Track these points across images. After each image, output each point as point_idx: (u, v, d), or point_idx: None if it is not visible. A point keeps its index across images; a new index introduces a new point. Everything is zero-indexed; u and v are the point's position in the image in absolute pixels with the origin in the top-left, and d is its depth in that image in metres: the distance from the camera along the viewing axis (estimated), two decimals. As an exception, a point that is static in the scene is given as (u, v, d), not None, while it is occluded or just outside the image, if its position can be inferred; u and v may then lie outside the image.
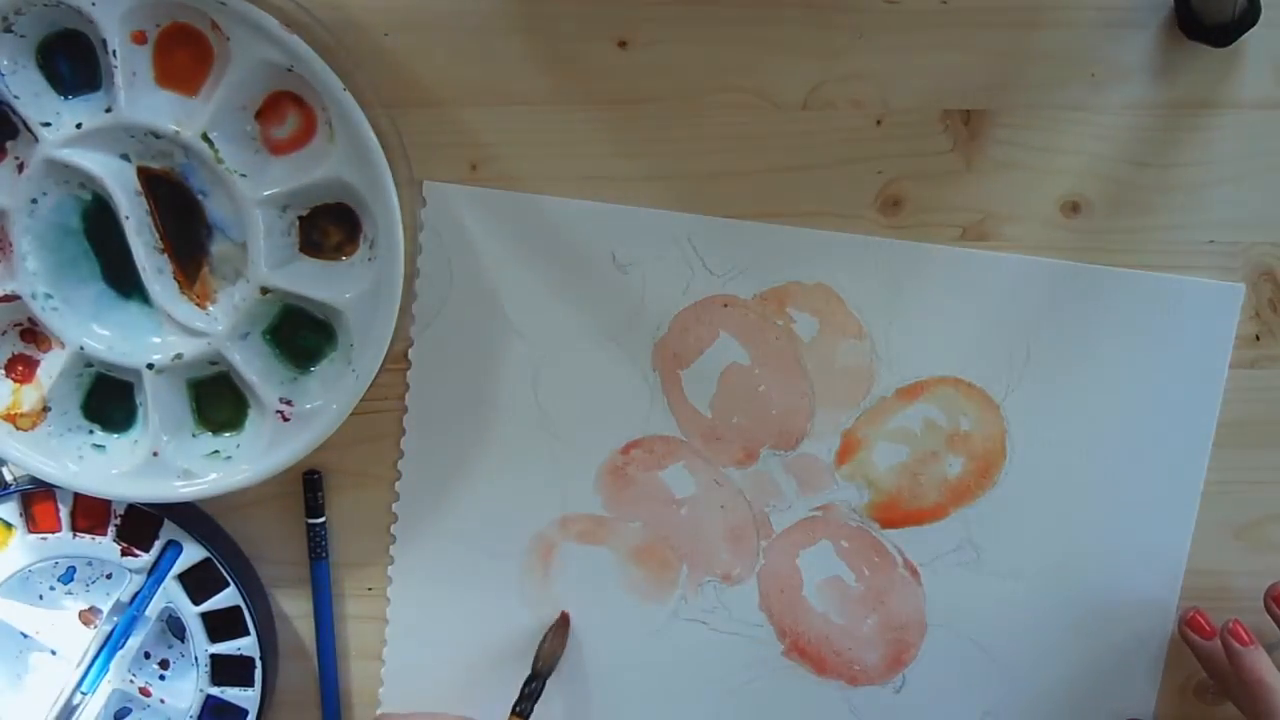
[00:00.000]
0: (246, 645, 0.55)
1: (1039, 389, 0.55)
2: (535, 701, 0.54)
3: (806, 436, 0.56)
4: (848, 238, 0.54)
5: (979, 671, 0.57)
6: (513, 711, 0.54)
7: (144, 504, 0.54)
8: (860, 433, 0.56)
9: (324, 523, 0.56)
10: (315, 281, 0.51)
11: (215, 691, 0.55)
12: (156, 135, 0.49)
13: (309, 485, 0.56)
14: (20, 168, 0.49)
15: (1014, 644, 0.57)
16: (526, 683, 0.54)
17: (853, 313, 0.55)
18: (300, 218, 0.51)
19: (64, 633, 0.55)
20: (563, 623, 0.56)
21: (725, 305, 0.55)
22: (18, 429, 0.52)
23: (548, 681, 0.55)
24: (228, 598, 0.54)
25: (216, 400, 0.53)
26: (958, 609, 0.57)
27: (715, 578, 0.57)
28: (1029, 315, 0.55)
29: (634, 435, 0.56)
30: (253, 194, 0.49)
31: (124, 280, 0.52)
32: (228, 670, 0.55)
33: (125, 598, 0.55)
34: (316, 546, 0.56)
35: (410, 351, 0.55)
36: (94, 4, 0.47)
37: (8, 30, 0.48)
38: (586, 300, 0.55)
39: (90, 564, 0.55)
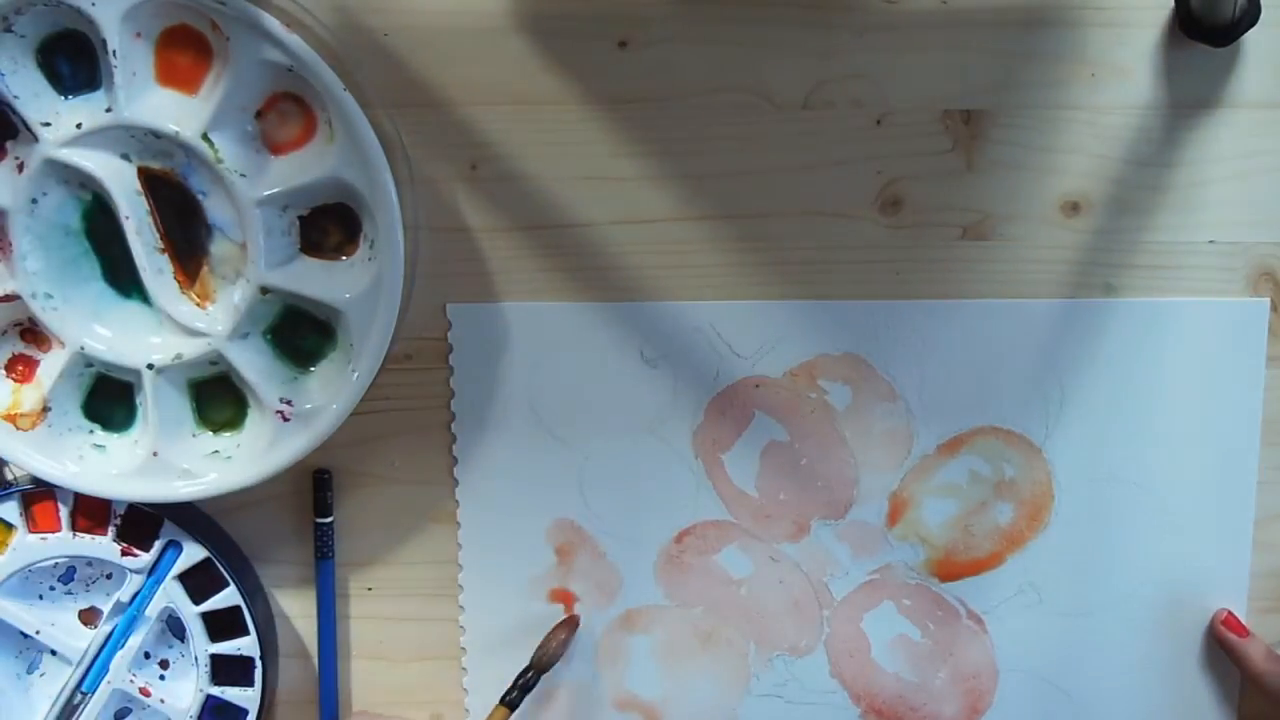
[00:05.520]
0: (246, 645, 0.55)
1: (1078, 427, 0.55)
2: (526, 693, 0.54)
3: (854, 503, 0.56)
4: (869, 305, 0.54)
5: (1057, 711, 0.57)
6: (501, 700, 0.54)
7: (144, 504, 0.54)
8: (907, 492, 0.56)
9: (332, 522, 0.56)
10: (315, 281, 0.51)
11: (215, 691, 0.55)
12: (156, 135, 0.49)
13: (319, 484, 0.56)
14: (20, 168, 0.49)
15: (1087, 680, 0.57)
16: (521, 673, 0.55)
17: (883, 376, 0.55)
18: (300, 218, 0.51)
19: (64, 633, 0.55)
20: (570, 623, 0.56)
21: (757, 386, 0.55)
22: (18, 429, 0.52)
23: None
24: (228, 598, 0.54)
25: (216, 400, 0.53)
26: (1027, 652, 0.57)
27: (783, 651, 0.57)
28: (1058, 355, 0.54)
29: (685, 523, 0.56)
30: (253, 194, 0.49)
31: (124, 280, 0.52)
32: (228, 670, 0.55)
33: (125, 598, 0.55)
34: (323, 546, 0.56)
35: (455, 469, 0.56)
36: (94, 4, 0.47)
37: (8, 30, 0.48)
38: (620, 399, 0.55)
39: (90, 564, 0.55)
